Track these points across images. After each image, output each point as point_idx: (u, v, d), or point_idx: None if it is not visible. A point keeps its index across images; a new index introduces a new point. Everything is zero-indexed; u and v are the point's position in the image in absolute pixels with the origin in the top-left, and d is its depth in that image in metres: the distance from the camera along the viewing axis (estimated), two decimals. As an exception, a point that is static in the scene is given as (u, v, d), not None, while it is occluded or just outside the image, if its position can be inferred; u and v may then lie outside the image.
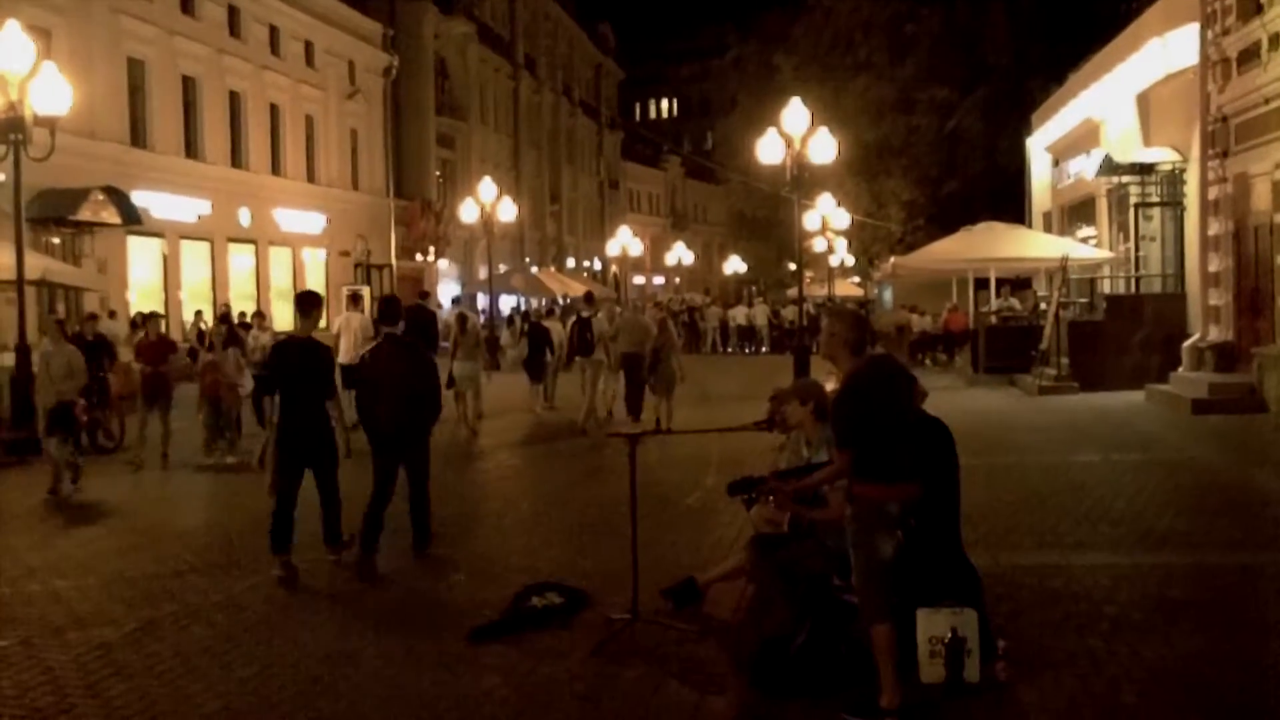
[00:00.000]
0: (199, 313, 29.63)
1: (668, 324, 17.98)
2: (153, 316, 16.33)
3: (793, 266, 36.40)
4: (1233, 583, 7.83)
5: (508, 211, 30.46)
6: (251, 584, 8.28)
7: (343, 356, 17.58)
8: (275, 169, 35.10)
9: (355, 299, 19.33)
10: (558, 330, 21.09)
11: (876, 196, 44.14)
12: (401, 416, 8.86)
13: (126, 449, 15.20)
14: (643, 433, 7.31)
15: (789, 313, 38.78)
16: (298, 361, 8.85)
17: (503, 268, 44.53)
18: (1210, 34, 18.06)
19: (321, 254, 37.64)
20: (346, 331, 18.25)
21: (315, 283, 37.24)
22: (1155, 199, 22.09)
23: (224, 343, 15.29)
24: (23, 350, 15.64)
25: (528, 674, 6.28)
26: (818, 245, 39.94)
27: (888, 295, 38.32)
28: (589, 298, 20.19)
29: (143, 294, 28.02)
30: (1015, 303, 26.28)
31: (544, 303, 40.99)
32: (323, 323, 12.81)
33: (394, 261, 42.11)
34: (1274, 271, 16.78)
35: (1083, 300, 25.15)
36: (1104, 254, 24.39)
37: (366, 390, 9.06)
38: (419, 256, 43.77)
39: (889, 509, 5.47)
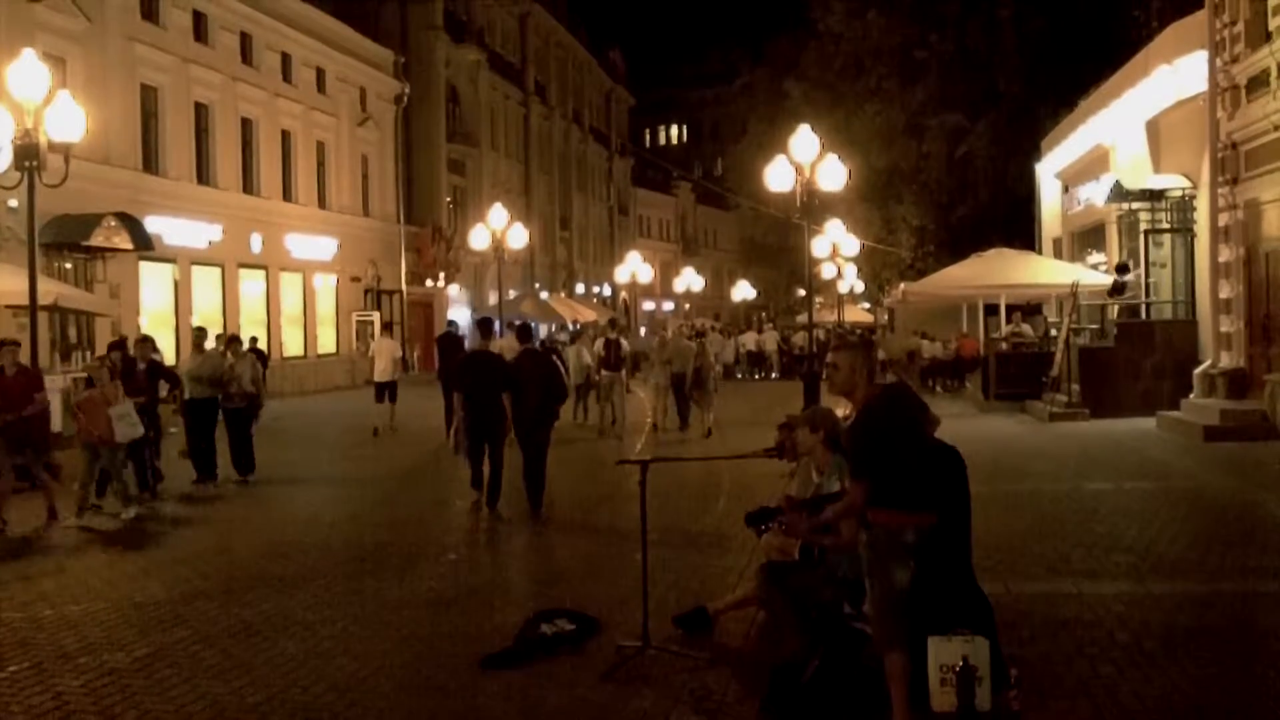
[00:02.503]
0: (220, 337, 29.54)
1: (706, 348, 21.77)
2: (5, 345, 12.67)
3: (802, 292, 36.42)
4: (1246, 611, 7.79)
5: (518, 237, 30.50)
6: (262, 611, 8.27)
7: (378, 376, 21.55)
8: (287, 195, 35.24)
9: (387, 327, 24.60)
10: (574, 355, 22.01)
11: (887, 222, 44.22)
12: (538, 406, 12.09)
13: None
14: (653, 459, 7.30)
15: (799, 339, 38.74)
16: (481, 367, 12.28)
17: (513, 293, 44.61)
18: (1220, 61, 18.11)
19: (332, 279, 37.76)
20: (380, 354, 21.90)
21: (325, 308, 37.43)
22: (1165, 225, 22.08)
23: (113, 374, 12.79)
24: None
25: (538, 701, 6.27)
26: (827, 271, 39.96)
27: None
28: (613, 323, 24.11)
29: (154, 319, 28.09)
30: (1028, 329, 26.26)
31: (559, 328, 41.16)
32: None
33: (404, 287, 42.23)
34: (1286, 298, 16.77)
35: (1093, 326, 25.12)
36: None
37: (514, 388, 12.01)
38: (429, 282, 43.91)
39: (905, 536, 5.46)
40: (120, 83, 26.95)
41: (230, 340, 16.40)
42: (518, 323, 16.26)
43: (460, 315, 44.02)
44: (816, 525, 6.36)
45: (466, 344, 19.52)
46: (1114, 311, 23.30)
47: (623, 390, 21.47)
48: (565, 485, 14.07)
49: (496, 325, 17.93)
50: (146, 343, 15.53)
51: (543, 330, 44.48)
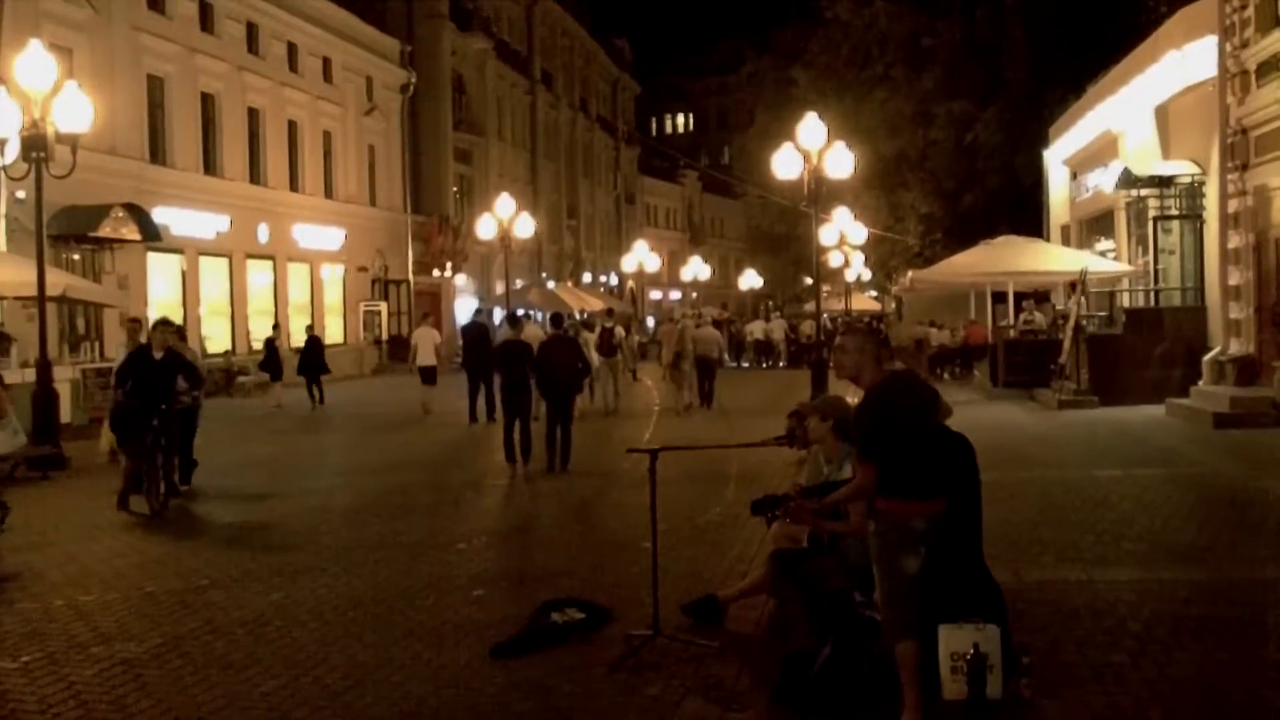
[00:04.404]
0: (277, 327, 29.40)
1: (685, 335, 23.40)
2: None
3: (810, 281, 36.38)
4: (1257, 598, 7.76)
5: (525, 227, 30.50)
6: (273, 600, 8.29)
7: (420, 360, 23.55)
8: (294, 185, 35.26)
9: (426, 316, 26.89)
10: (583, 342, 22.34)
11: (894, 210, 44.11)
12: (563, 380, 14.58)
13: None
14: (662, 448, 7.29)
15: (806, 327, 38.73)
16: (513, 352, 14.98)
17: (520, 283, 44.61)
18: (1229, 46, 18.03)
19: (339, 270, 37.80)
20: (421, 341, 23.96)
21: (333, 298, 37.45)
22: (1174, 212, 22.01)
23: None
24: (44, 367, 15.72)
25: (548, 690, 6.27)
26: (835, 259, 39.90)
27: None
28: (610, 312, 28.01)
29: (162, 310, 28.08)
30: (1040, 316, 26.21)
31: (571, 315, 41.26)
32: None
33: (411, 277, 42.25)
34: (1295, 284, 16.71)
35: (1102, 314, 25.07)
36: (1123, 267, 24.31)
37: (544, 365, 14.51)
38: (436, 272, 43.89)
39: (914, 525, 5.45)
40: (126, 73, 26.97)
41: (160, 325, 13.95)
42: (550, 313, 19.36)
43: (466, 305, 44.16)
44: (825, 508, 6.35)
45: (499, 334, 20.85)
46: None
47: (617, 374, 23.85)
48: (576, 473, 14.14)
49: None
50: (167, 326, 13.07)
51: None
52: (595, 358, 22.33)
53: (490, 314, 29.62)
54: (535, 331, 20.43)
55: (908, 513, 5.44)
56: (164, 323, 13.25)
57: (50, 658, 6.99)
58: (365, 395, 28.62)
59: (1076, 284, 21.67)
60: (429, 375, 23.32)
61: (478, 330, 22.42)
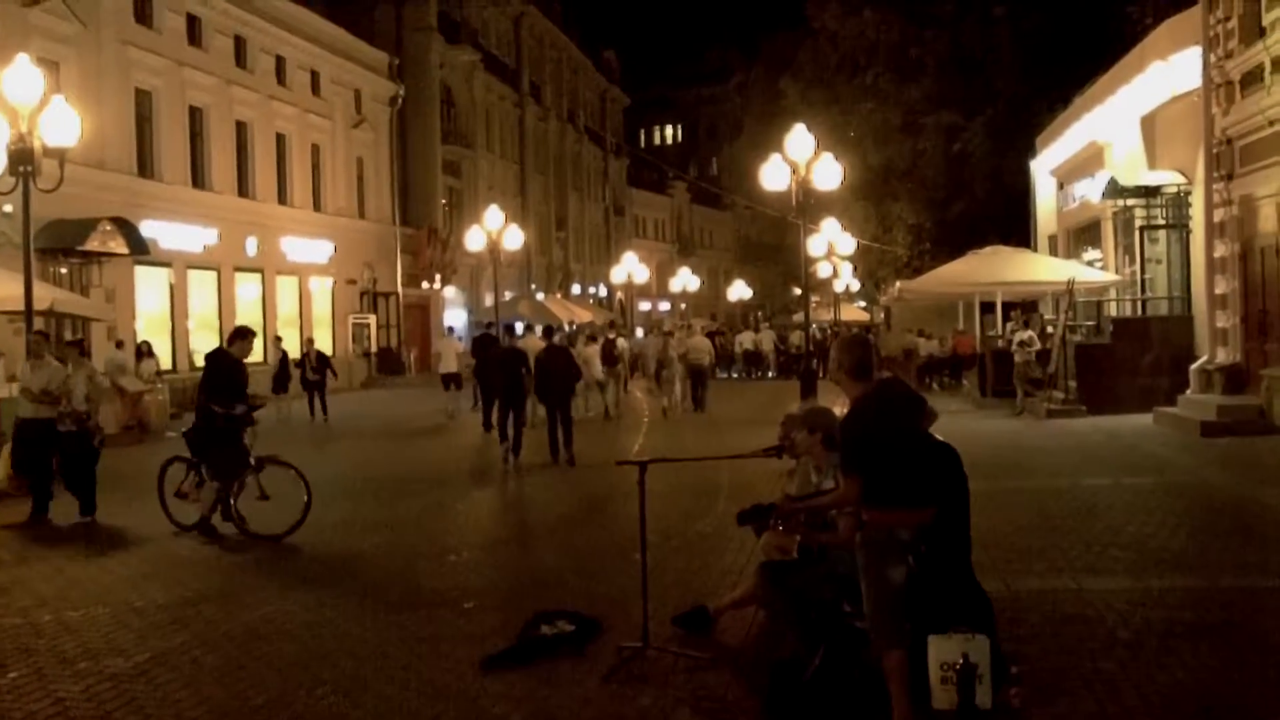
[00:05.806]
0: (279, 340, 28.95)
1: (668, 343, 25.08)
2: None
3: (799, 291, 36.44)
4: (1246, 606, 7.79)
5: (514, 239, 30.52)
6: (263, 614, 8.26)
7: (442, 368, 26.07)
8: (282, 198, 35.23)
9: (451, 330, 29.93)
10: (584, 354, 23.19)
11: (883, 220, 44.20)
12: (559, 385, 16.38)
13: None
14: (651, 460, 7.29)
15: (795, 338, 38.76)
16: (511, 358, 17.05)
17: (509, 294, 44.61)
18: (1213, 57, 18.13)
19: (328, 282, 37.76)
20: (445, 352, 26.48)
21: (321, 311, 37.38)
22: (1161, 221, 22.10)
23: None
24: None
25: (539, 702, 6.26)
26: (823, 270, 39.95)
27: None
28: (611, 324, 31.12)
29: (150, 323, 28.12)
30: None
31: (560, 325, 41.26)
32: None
33: (400, 289, 42.21)
34: (1281, 293, 16.78)
35: (1089, 323, 25.14)
36: (1110, 277, 24.39)
37: (542, 372, 16.45)
38: (425, 284, 43.87)
39: (899, 535, 5.46)
40: (114, 87, 26.95)
41: (68, 345, 13.83)
42: (543, 326, 21.10)
43: (457, 317, 44.11)
44: (812, 509, 6.37)
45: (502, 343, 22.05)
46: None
47: (619, 383, 25.04)
48: (567, 483, 14.11)
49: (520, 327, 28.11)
50: (253, 335, 12.13)
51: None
52: (599, 368, 23.47)
53: (490, 326, 29.70)
54: (535, 342, 20.92)
55: (893, 523, 5.46)
56: (250, 331, 12.12)
57: (38, 673, 6.96)
58: (359, 408, 28.59)
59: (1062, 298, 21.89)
60: (452, 382, 25.41)
61: (488, 341, 22.96)
